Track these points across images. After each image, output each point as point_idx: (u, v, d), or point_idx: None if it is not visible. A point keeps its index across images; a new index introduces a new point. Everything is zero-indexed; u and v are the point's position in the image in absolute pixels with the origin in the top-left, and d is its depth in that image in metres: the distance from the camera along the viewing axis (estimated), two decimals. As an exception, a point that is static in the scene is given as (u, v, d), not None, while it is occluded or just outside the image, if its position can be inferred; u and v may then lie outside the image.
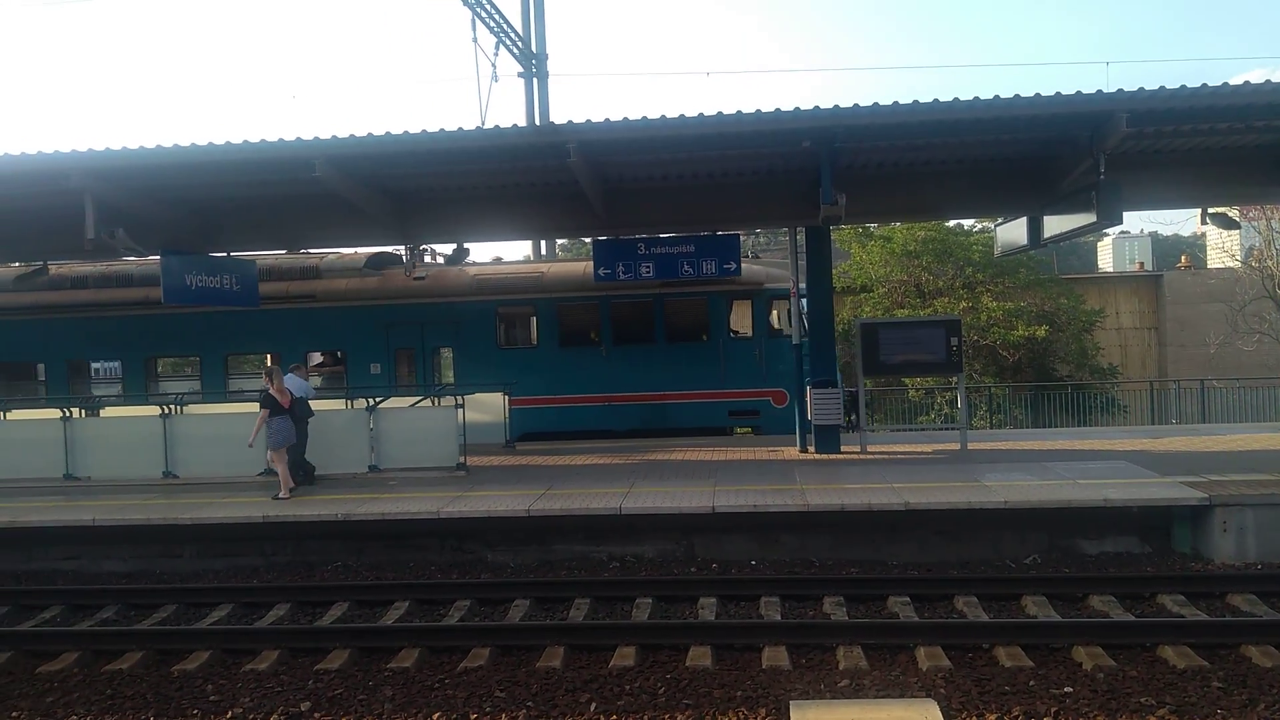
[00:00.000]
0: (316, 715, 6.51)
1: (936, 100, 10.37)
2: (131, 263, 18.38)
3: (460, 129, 10.99)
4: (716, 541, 10.20)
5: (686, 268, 13.53)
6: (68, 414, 13.63)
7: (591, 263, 18.08)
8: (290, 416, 12.07)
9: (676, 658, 7.31)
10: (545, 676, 7.06)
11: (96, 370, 19.30)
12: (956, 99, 10.31)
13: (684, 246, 13.56)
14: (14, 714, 6.72)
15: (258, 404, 12.16)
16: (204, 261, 13.80)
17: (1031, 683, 6.60)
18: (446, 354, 17.88)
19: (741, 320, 17.42)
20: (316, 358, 19.38)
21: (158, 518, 10.77)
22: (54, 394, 17.77)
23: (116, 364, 18.78)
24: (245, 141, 10.97)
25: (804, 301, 14.66)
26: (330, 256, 18.88)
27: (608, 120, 10.84)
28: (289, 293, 17.97)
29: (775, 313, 17.38)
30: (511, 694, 6.76)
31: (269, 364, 14.27)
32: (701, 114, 10.57)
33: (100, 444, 13.52)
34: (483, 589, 9.20)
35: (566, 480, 12.13)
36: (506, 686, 6.89)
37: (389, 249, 18.72)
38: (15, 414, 14.75)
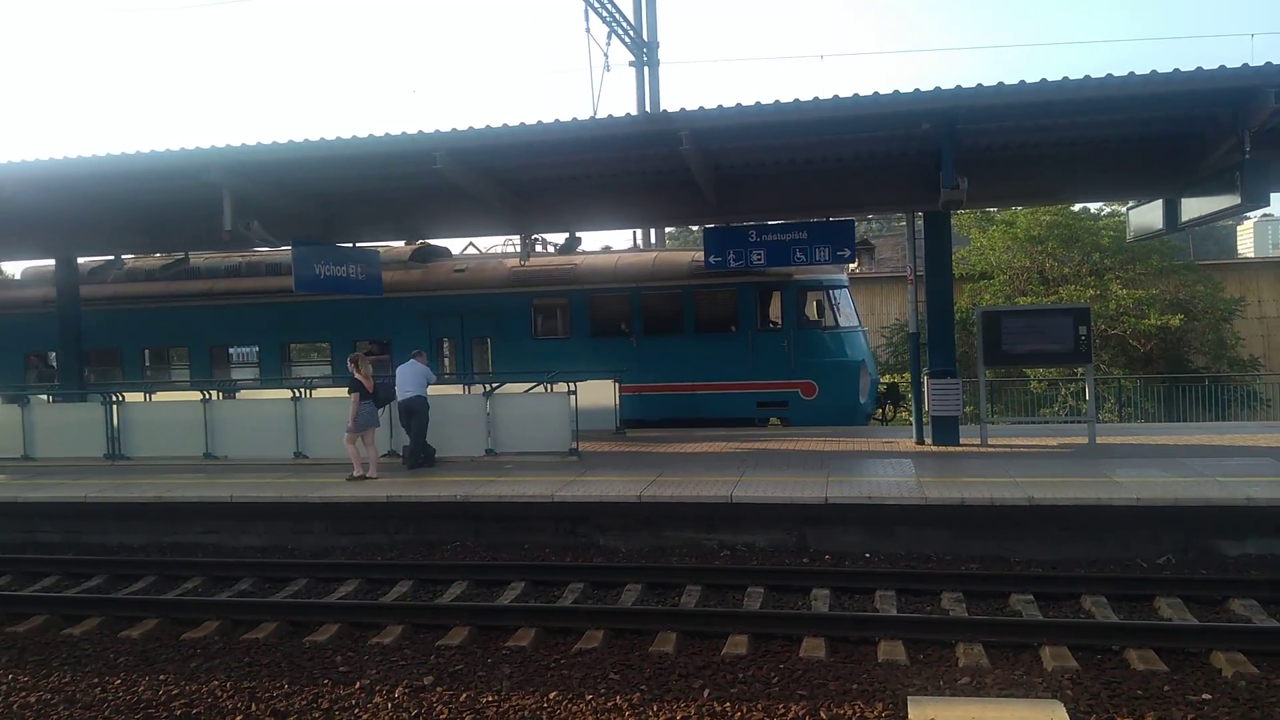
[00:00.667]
0: (439, 689, 6.73)
1: (1066, 78, 9.92)
2: (217, 257, 19.53)
3: (574, 119, 11.12)
4: (829, 533, 10.07)
5: (799, 254, 13.37)
6: (208, 397, 14.45)
7: (620, 256, 18.94)
8: (373, 401, 12.47)
9: (789, 648, 7.26)
10: (658, 661, 7.12)
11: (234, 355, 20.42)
12: (1088, 76, 9.84)
13: (796, 233, 13.40)
14: (161, 676, 7.18)
15: (346, 389, 12.65)
16: (331, 251, 14.39)
17: (1166, 688, 6.29)
18: (484, 344, 18.39)
19: (771, 312, 17.44)
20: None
21: (290, 495, 11.32)
22: (197, 378, 18.88)
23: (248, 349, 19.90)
24: (370, 135, 11.37)
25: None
26: (380, 250, 19.43)
27: (720, 107, 10.79)
28: None
29: (806, 304, 17.35)
30: (625, 677, 6.84)
31: (356, 351, 14.68)
32: (817, 98, 10.41)
33: (237, 425, 14.30)
34: (595, 572, 9.33)
35: (677, 467, 12.17)
36: (620, 669, 6.98)
37: (434, 242, 19.60)
38: (161, 396, 15.72)
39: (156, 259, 19.79)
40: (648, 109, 22.25)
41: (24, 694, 6.91)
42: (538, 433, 13.30)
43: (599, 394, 15.87)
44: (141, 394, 16.01)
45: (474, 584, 9.29)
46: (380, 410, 12.88)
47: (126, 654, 7.75)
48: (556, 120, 11.07)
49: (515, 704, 6.43)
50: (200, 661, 7.53)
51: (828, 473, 11.32)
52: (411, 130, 11.34)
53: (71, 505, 11.73)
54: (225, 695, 6.75)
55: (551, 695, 6.55)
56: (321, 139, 11.47)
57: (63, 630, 8.39)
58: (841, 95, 10.39)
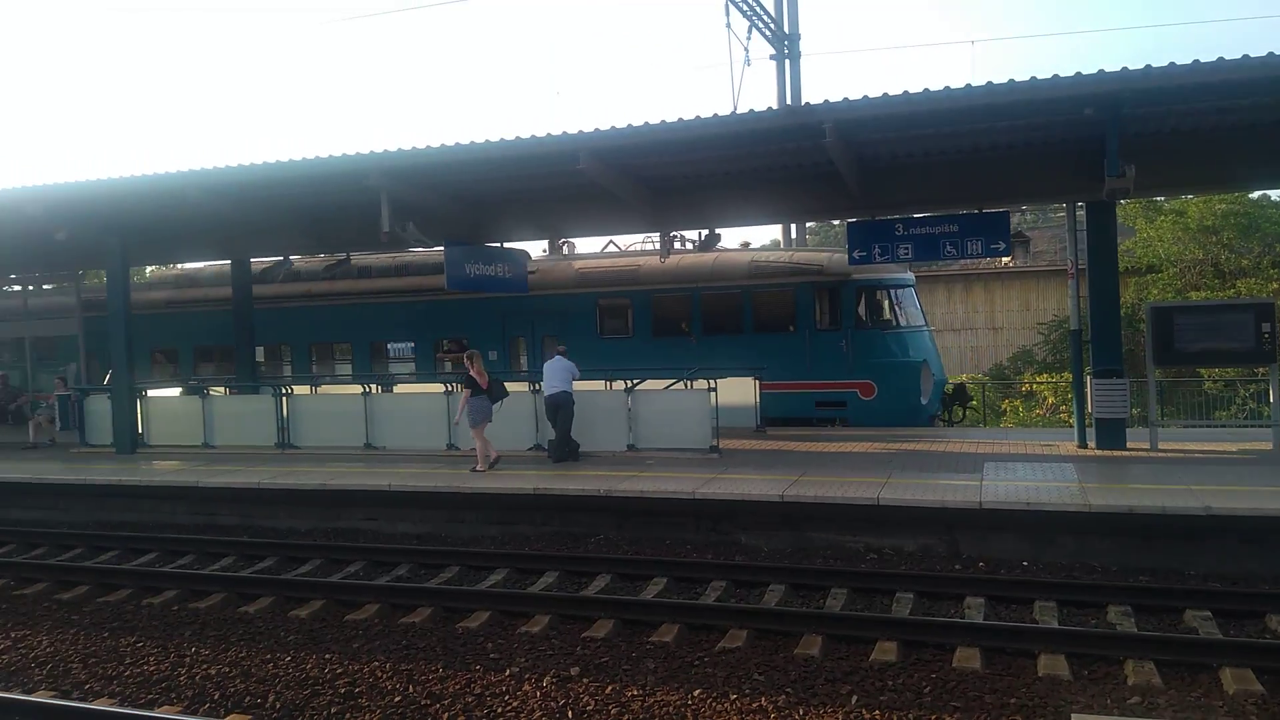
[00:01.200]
0: (585, 680, 6.85)
1: (1246, 56, 9.18)
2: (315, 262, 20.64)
3: (713, 115, 11.08)
4: (983, 539, 9.68)
5: (949, 248, 12.89)
6: (368, 390, 15.20)
7: (681, 257, 18.86)
8: (488, 396, 12.78)
9: (941, 657, 7.02)
10: (804, 664, 7.02)
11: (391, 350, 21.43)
12: (1271, 53, 9.07)
13: (946, 226, 12.92)
14: (327, 655, 7.59)
15: (460, 384, 13.10)
16: (481, 251, 14.87)
17: (1370, 720, 5.74)
18: (553, 342, 18.33)
19: (829, 312, 17.20)
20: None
21: (443, 486, 11.77)
22: (359, 372, 19.91)
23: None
24: (516, 137, 11.67)
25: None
26: (423, 257, 20.35)
27: (866, 97, 10.52)
28: (423, 286, 19.73)
29: (865, 303, 17.18)
30: (770, 678, 6.78)
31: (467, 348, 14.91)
32: (969, 85, 10.01)
33: (394, 418, 14.97)
34: (738, 571, 9.29)
35: (820, 467, 11.97)
36: (765, 670, 6.92)
37: (518, 245, 19.62)
38: (325, 389, 16.64)
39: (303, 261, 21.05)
40: (788, 102, 21.95)
41: (205, 666, 7.45)
42: (678, 429, 13.35)
43: (739, 392, 15.78)
44: (308, 387, 17.00)
45: (617, 577, 9.41)
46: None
47: (295, 632, 8.24)
48: (696, 117, 11.06)
49: (660, 699, 6.47)
50: (362, 642, 7.92)
51: (980, 476, 10.88)
52: (555, 132, 11.58)
53: (246, 491, 12.57)
54: (385, 676, 7.08)
55: (696, 693, 6.55)
56: (471, 142, 11.85)
57: (239, 608, 9.00)
58: (996, 82, 9.95)
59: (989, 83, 9.96)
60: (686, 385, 14.62)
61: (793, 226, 23.55)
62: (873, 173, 12.88)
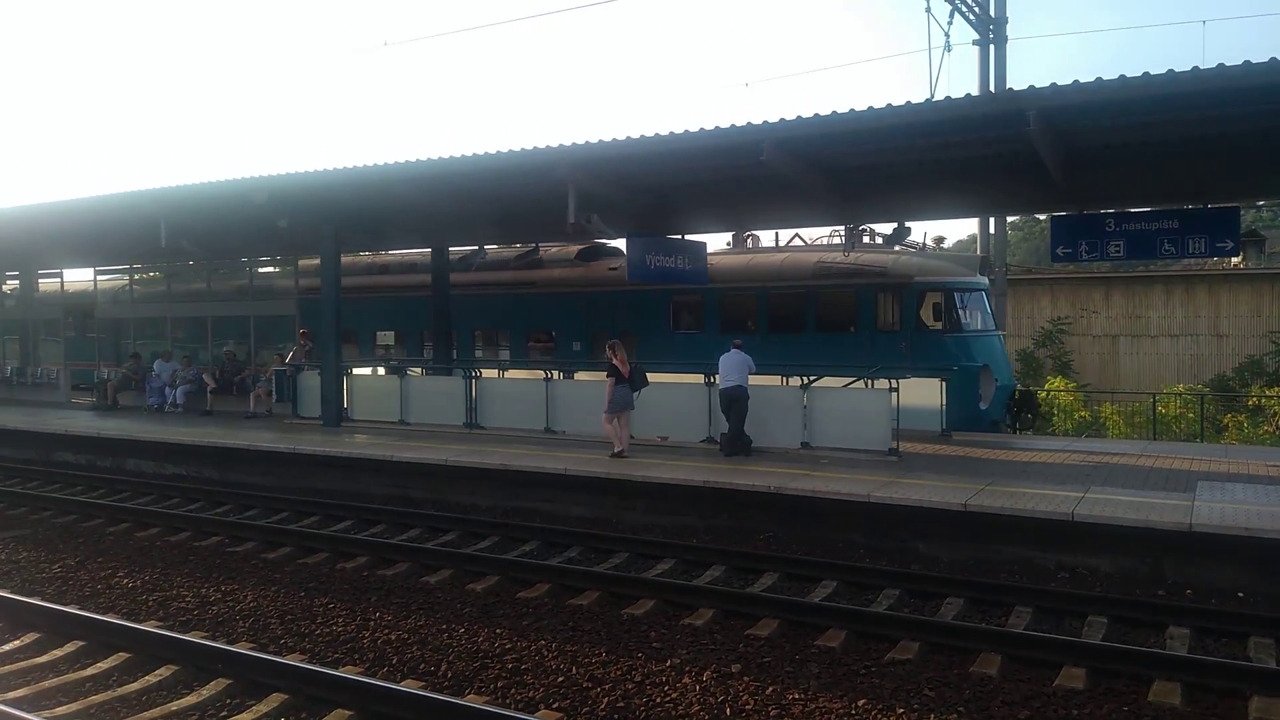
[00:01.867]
0: (745, 679, 6.75)
1: None
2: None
3: (905, 103, 10.60)
4: (1192, 564, 8.80)
5: (1167, 247, 11.80)
6: (549, 376, 15.66)
7: (752, 256, 18.80)
8: (629, 385, 13.04)
9: (1135, 689, 6.44)
10: (979, 683, 6.62)
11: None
12: None
13: (1164, 222, 11.84)
14: (498, 630, 7.85)
15: (604, 373, 13.39)
16: (662, 242, 14.96)
17: None
18: (633, 336, 18.78)
19: (890, 314, 17.14)
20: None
21: (616, 472, 11.95)
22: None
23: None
24: (700, 129, 11.62)
25: None
26: (552, 250, 20.99)
27: (1076, 82, 9.74)
28: (517, 280, 20.95)
29: (925, 306, 17.05)
30: (941, 695, 6.43)
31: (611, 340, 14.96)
32: (1196, 69, 9.07)
33: (571, 403, 15.34)
34: (913, 580, 8.90)
35: (1010, 476, 11.29)
36: (936, 686, 6.58)
37: (604, 242, 20.32)
38: (511, 374, 17.28)
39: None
40: (991, 89, 20.79)
41: (387, 631, 7.88)
42: (855, 429, 12.94)
43: (922, 393, 15.12)
44: (496, 371, 17.72)
45: (785, 576, 9.23)
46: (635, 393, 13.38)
47: (470, 605, 8.58)
48: (887, 105, 10.62)
49: (822, 705, 6.28)
50: (531, 620, 8.15)
51: (1192, 495, 9.92)
52: (739, 123, 11.44)
53: (435, 466, 13.23)
54: (550, 656, 7.24)
55: (860, 702, 6.31)
56: (656, 134, 11.91)
57: (421, 578, 9.48)
58: (1229, 64, 8.97)
59: (1220, 65, 9.00)
60: (867, 384, 14.17)
61: (991, 222, 22.34)
62: (1081, 164, 11.94)
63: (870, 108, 10.67)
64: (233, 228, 18.10)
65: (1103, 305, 28.40)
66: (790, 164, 12.03)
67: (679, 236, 15.52)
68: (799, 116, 11.05)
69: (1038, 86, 9.89)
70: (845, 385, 13.78)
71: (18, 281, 26.17)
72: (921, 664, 7.01)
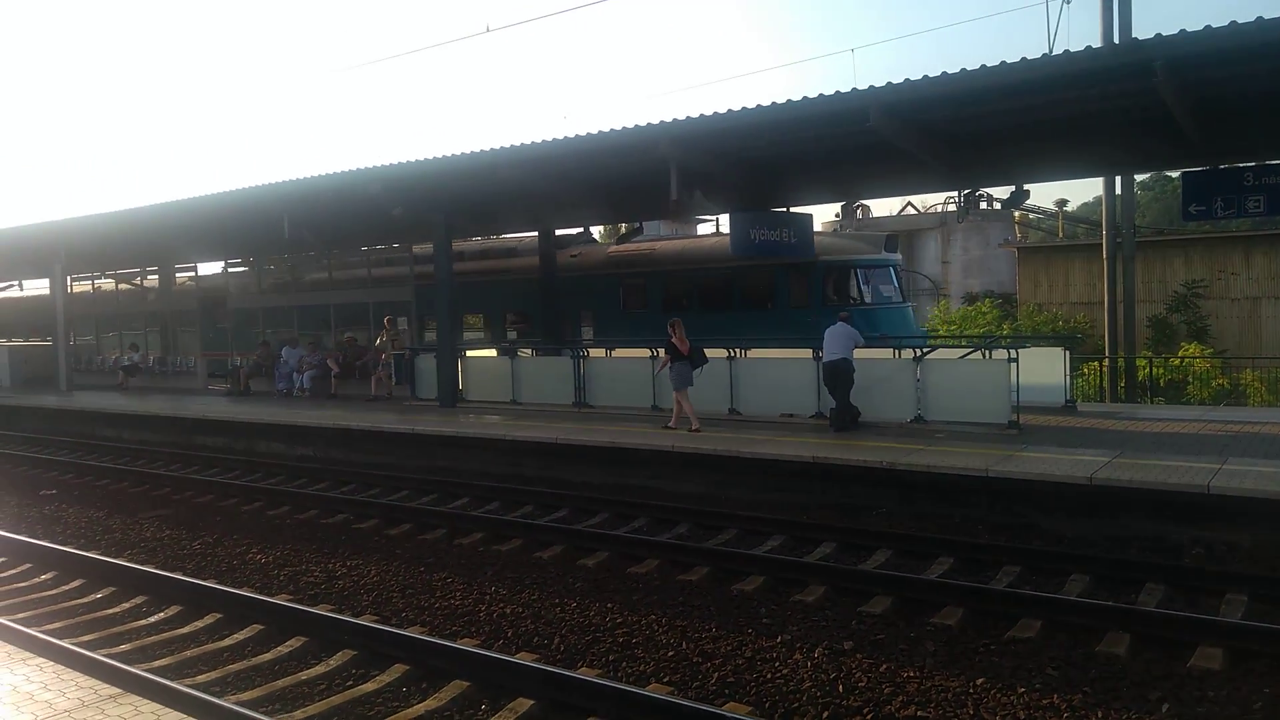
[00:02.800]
0: (858, 656, 6.65)
1: None
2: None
3: (1020, 60, 10.12)
4: (1345, 539, 8.20)
5: (1313, 200, 10.95)
6: (654, 354, 15.70)
7: (686, 242, 20.27)
8: (688, 362, 13.42)
9: (1278, 671, 6.05)
10: (1106, 663, 6.35)
11: None
12: None
13: (1311, 174, 10.97)
14: (609, 605, 7.96)
15: (663, 350, 13.91)
16: (765, 216, 14.77)
17: None
18: (590, 314, 21.34)
19: (800, 290, 18.83)
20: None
21: (722, 449, 11.91)
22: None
23: None
24: (804, 98, 11.39)
25: None
26: (527, 240, 22.68)
27: (1207, 28, 9.11)
28: (496, 268, 22.52)
29: (829, 282, 18.84)
30: (1065, 675, 6.20)
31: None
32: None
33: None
34: (1034, 557, 8.58)
35: (1139, 448, 10.74)
36: (1059, 665, 6.34)
37: (566, 233, 22.14)
38: (618, 353, 17.41)
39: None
40: (1115, 41, 19.65)
41: (502, 604, 8.08)
42: (972, 402, 12.52)
43: (1043, 364, 14.52)
44: (603, 351, 17.89)
45: (898, 553, 9.04)
46: (696, 371, 13.65)
47: (582, 580, 8.72)
48: (1001, 63, 10.17)
49: (938, 684, 6.13)
50: (641, 595, 8.22)
51: (1345, 466, 9.23)
52: (844, 89, 11.15)
53: (546, 444, 13.47)
54: (660, 630, 7.30)
55: (979, 681, 6.14)
56: (757, 105, 11.73)
57: (534, 553, 9.68)
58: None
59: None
60: (984, 355, 13.70)
61: (1117, 181, 21.15)
62: (1214, 115, 11.17)
63: (983, 66, 10.26)
64: (350, 218, 18.78)
65: (1242, 266, 26.57)
66: (899, 129, 11.68)
67: (784, 209, 15.28)
68: (907, 80, 10.71)
69: (1165, 34, 9.29)
70: (962, 357, 13.37)
71: (157, 276, 27.80)
72: (1044, 643, 6.76)
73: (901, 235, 46.76)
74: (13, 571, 9.60)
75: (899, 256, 20.51)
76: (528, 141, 13.93)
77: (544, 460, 13.50)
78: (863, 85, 11.03)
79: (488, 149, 14.54)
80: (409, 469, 14.42)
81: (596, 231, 25.18)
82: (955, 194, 17.25)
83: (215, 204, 18.44)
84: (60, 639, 7.05)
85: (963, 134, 12.63)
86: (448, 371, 17.80)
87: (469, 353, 18.95)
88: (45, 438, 19.72)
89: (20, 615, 7.99)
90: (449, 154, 14.93)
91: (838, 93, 11.09)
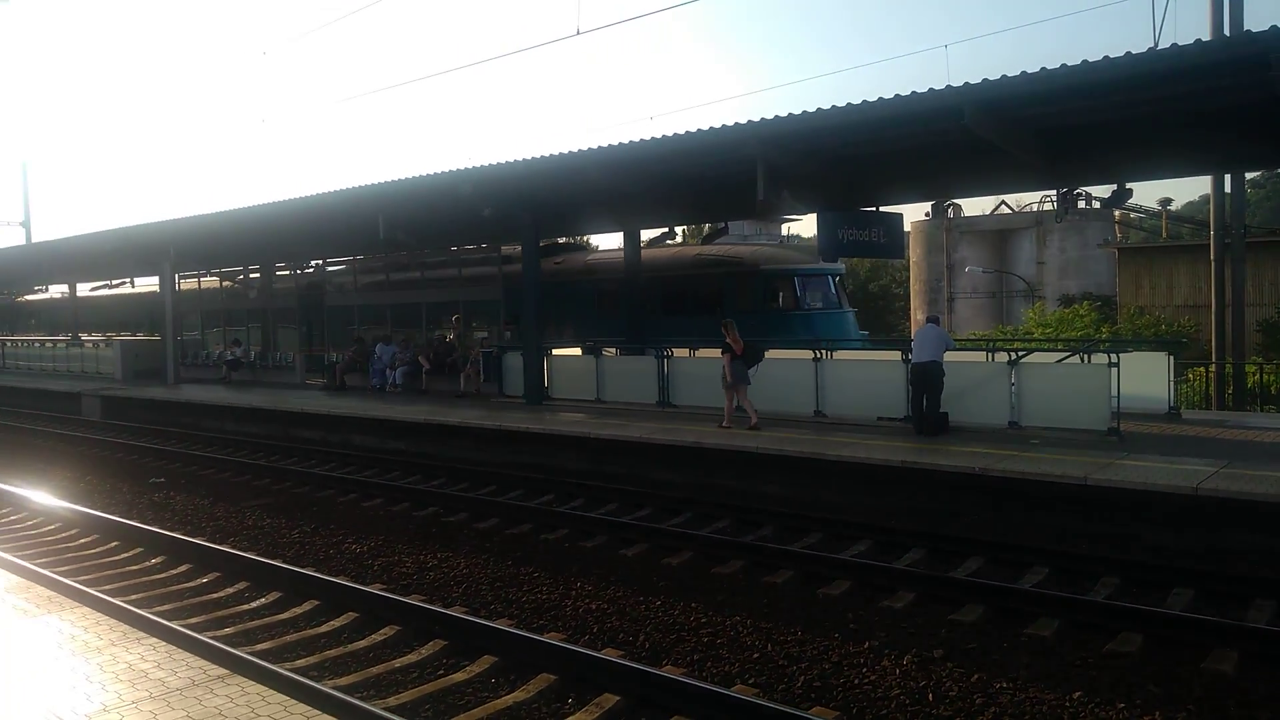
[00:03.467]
0: (949, 665, 6.52)
1: None
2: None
3: (1126, 54, 9.77)
4: None
5: None
6: (736, 356, 15.63)
7: (651, 252, 21.09)
8: (743, 361, 13.73)
9: (1407, 698, 5.72)
10: (1212, 680, 6.09)
11: None
12: None
13: None
14: (693, 604, 7.97)
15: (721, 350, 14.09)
16: (854, 216, 14.57)
17: None
18: (568, 318, 22.27)
19: (746, 296, 20.75)
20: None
21: (808, 451, 11.80)
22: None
23: None
24: (896, 95, 11.20)
25: None
26: (517, 249, 22.68)
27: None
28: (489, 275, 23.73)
29: (771, 290, 20.87)
30: (1168, 691, 5.97)
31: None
32: None
33: (762, 381, 15.24)
34: (1134, 569, 8.29)
35: (1251, 457, 10.26)
36: (1161, 682, 6.11)
37: (554, 241, 23.94)
38: (702, 353, 17.40)
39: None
40: (1226, 33, 18.78)
41: (588, 600, 8.17)
42: (1069, 407, 12.13)
43: (1146, 368, 13.97)
44: (687, 350, 17.91)
45: (990, 561, 8.83)
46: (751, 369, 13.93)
47: (666, 579, 8.75)
48: (1105, 58, 9.83)
49: (1033, 695, 5.98)
50: (725, 596, 8.21)
51: None
52: (937, 87, 10.92)
53: (630, 443, 13.55)
54: (745, 632, 7.28)
55: (1075, 695, 5.97)
56: (848, 104, 11.58)
57: (619, 550, 9.76)
58: None
59: None
60: (1083, 359, 13.27)
61: (1226, 179, 20.21)
62: (1337, 109, 10.61)
63: (1085, 62, 9.93)
64: (442, 219, 19.20)
65: (1362, 267, 25.17)
66: (994, 126, 11.39)
67: (873, 209, 15.05)
68: (1004, 76, 10.45)
69: (1282, 25, 8.85)
70: (1059, 361, 12.97)
71: (259, 274, 28.90)
72: (1145, 658, 6.53)
73: (995, 235, 45.93)
74: (126, 555, 10.12)
75: (840, 266, 22.53)
76: (615, 143, 14.04)
77: (627, 458, 13.58)
78: (957, 82, 10.81)
79: (576, 150, 14.70)
80: (495, 464, 14.68)
81: (680, 232, 25.52)
82: (1053, 192, 16.76)
83: (314, 205, 19.08)
84: (170, 621, 7.41)
85: (1062, 131, 12.24)
86: (534, 369, 18.06)
87: (555, 351, 19.18)
88: (154, 428, 20.71)
89: (133, 597, 8.42)
90: (538, 156, 15.15)
91: (931, 90, 10.88)
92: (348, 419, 18.12)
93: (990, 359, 14.01)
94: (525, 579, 8.87)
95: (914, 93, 11.00)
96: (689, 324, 19.80)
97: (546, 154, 15.01)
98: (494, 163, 15.86)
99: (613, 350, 19.34)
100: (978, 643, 6.94)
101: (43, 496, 12.58)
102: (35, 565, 9.07)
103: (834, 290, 21.86)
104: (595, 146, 14.43)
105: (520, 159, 15.41)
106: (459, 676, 6.53)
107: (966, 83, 10.65)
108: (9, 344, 36.79)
